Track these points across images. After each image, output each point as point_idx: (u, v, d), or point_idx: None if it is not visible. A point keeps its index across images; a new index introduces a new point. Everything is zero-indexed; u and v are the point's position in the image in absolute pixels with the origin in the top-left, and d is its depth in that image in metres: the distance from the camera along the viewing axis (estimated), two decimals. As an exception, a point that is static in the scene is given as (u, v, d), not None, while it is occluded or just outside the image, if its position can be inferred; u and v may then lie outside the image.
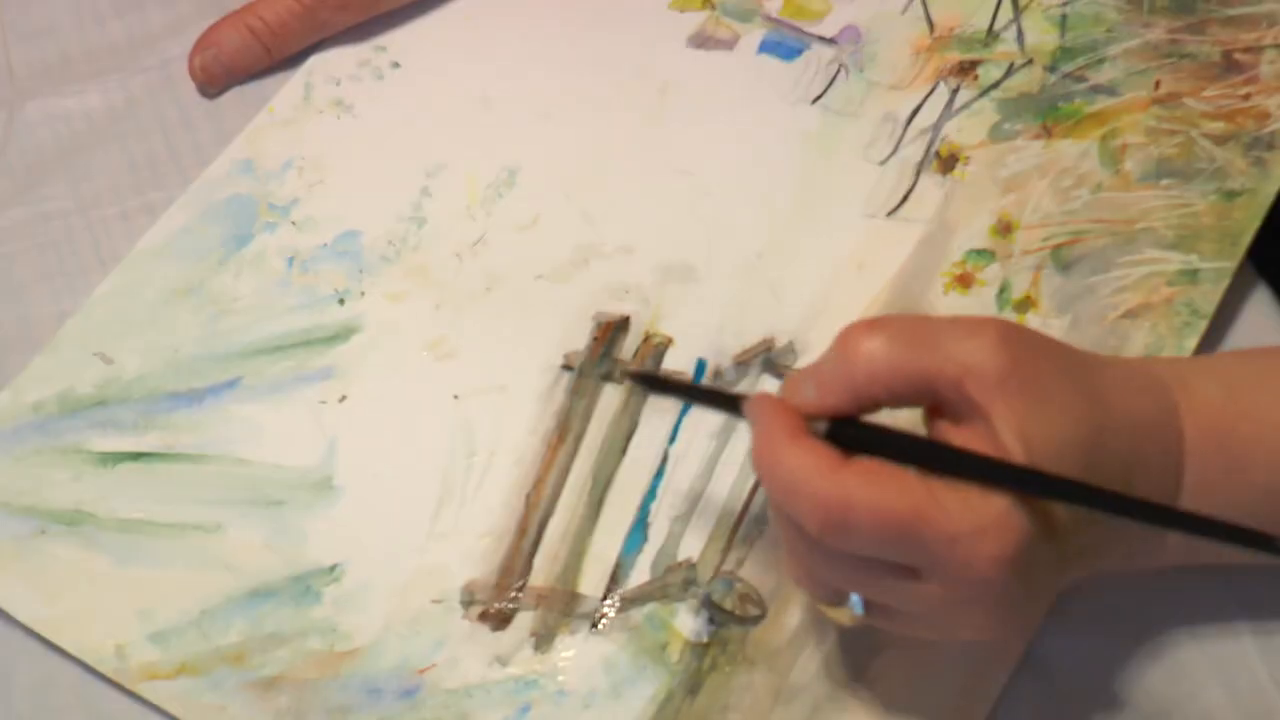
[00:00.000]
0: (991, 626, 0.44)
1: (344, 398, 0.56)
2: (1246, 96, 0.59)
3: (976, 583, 0.41)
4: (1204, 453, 0.45)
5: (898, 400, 0.43)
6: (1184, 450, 0.45)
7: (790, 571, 0.46)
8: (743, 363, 0.56)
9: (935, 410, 0.43)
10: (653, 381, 0.54)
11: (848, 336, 0.43)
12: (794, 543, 0.45)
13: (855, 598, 0.45)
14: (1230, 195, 0.57)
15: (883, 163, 0.60)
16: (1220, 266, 0.55)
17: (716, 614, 0.51)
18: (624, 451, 0.54)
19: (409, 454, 0.55)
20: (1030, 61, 0.61)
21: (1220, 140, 0.58)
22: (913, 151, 0.60)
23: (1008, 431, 0.41)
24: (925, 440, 0.43)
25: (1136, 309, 0.55)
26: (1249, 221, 0.56)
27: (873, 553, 0.42)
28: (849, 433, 0.43)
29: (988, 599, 0.42)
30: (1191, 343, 0.54)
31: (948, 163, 0.59)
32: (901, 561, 0.42)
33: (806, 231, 0.58)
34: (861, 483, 0.41)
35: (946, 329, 0.43)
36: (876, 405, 0.43)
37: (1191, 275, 0.55)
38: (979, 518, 0.41)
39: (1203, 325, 0.54)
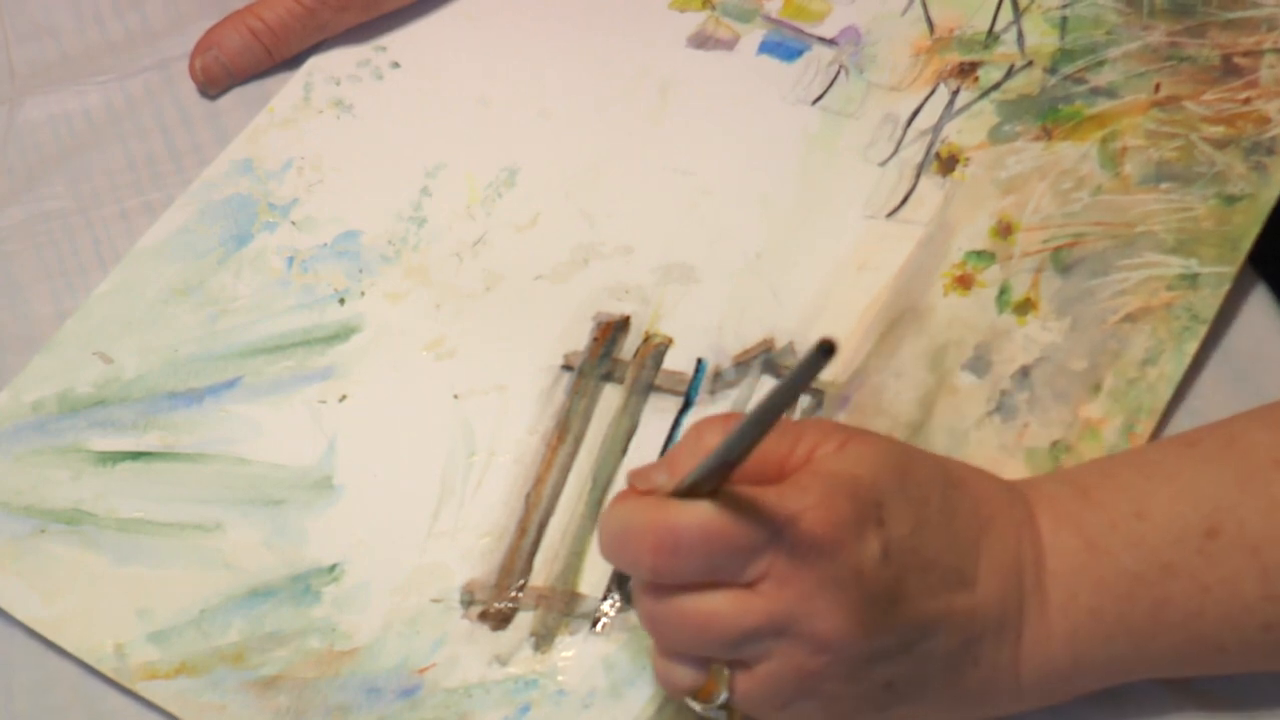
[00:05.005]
0: (844, 624, 0.42)
1: (344, 397, 0.56)
2: (1246, 101, 0.59)
3: (818, 553, 0.42)
4: (1062, 538, 0.46)
5: (748, 480, 0.44)
6: (1041, 536, 0.46)
7: (656, 669, 0.46)
8: (742, 363, 0.56)
9: None
10: None
11: (702, 425, 0.45)
12: (644, 609, 0.45)
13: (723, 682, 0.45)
14: (1230, 200, 0.57)
15: (883, 164, 0.60)
16: (1220, 271, 0.55)
17: (716, 614, 0.51)
18: (624, 451, 0.54)
19: (409, 454, 0.55)
20: (1030, 63, 0.61)
21: (1220, 144, 0.58)
22: (913, 153, 0.60)
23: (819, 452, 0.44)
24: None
25: (1136, 313, 0.55)
26: (1249, 227, 0.56)
27: (705, 571, 0.43)
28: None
29: (830, 583, 0.42)
30: (1191, 347, 0.54)
31: (948, 164, 0.59)
32: (733, 577, 0.43)
33: (806, 232, 0.58)
34: (684, 506, 0.43)
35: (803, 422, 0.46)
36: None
37: (1191, 280, 0.55)
38: (810, 495, 0.42)
39: (1202, 330, 0.54)
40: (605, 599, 0.52)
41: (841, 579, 0.42)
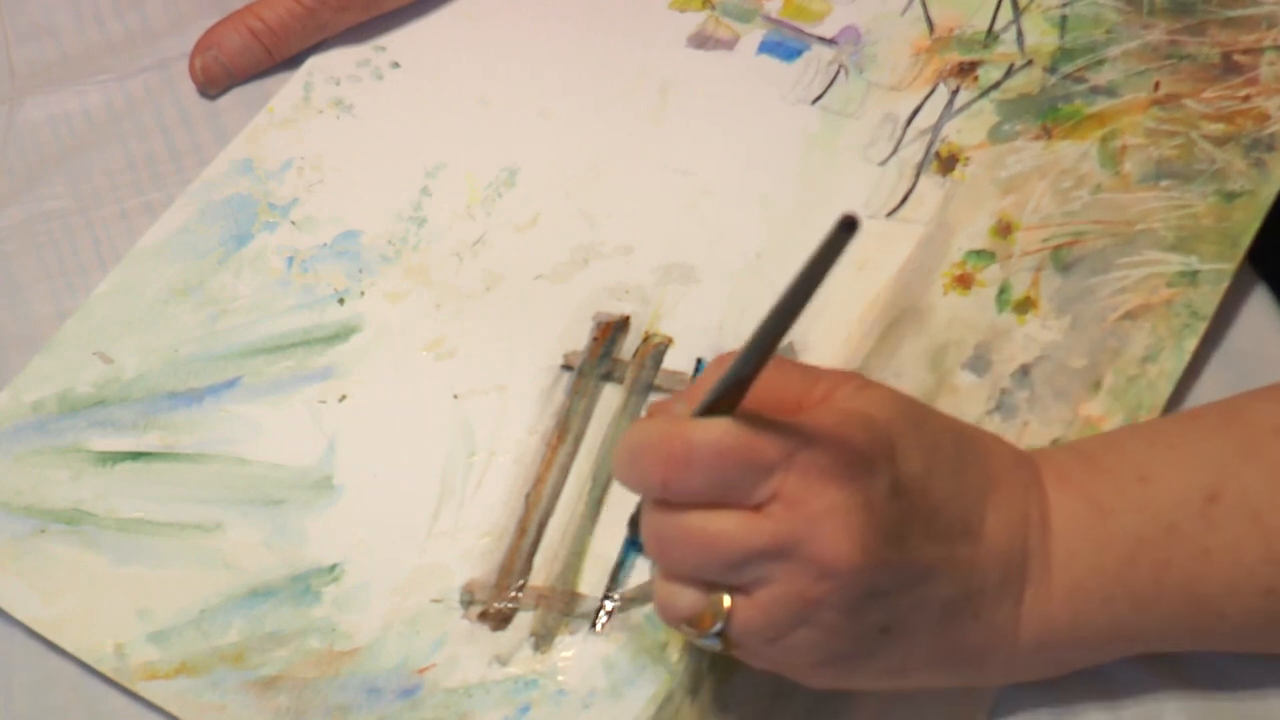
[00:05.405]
0: (849, 550, 0.42)
1: (344, 397, 0.56)
2: (1246, 98, 0.59)
3: (828, 479, 0.42)
4: (1067, 499, 0.46)
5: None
6: (1047, 497, 0.46)
7: (657, 594, 0.45)
8: (742, 363, 0.56)
9: None
10: None
11: (724, 357, 0.45)
12: (650, 526, 0.44)
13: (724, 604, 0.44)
14: (1230, 197, 0.57)
15: (883, 163, 0.60)
16: (1220, 268, 0.55)
17: (716, 614, 0.51)
18: (624, 451, 0.54)
19: (409, 454, 0.55)
20: (1030, 63, 0.61)
21: (1220, 142, 0.58)
22: (912, 152, 0.60)
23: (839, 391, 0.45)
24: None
25: (1136, 310, 0.55)
26: (1249, 223, 0.56)
27: (716, 488, 0.42)
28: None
29: (839, 508, 0.42)
30: (1191, 344, 0.54)
31: (947, 163, 0.59)
32: (743, 497, 0.42)
33: (806, 232, 0.58)
34: (700, 422, 0.43)
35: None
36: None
37: (1191, 277, 0.55)
38: (825, 424, 0.42)
39: (1202, 327, 0.54)
40: (605, 599, 0.52)
41: (850, 506, 0.42)
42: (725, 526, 0.43)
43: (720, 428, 0.42)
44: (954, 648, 0.46)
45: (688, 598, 0.44)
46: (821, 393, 0.45)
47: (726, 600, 0.44)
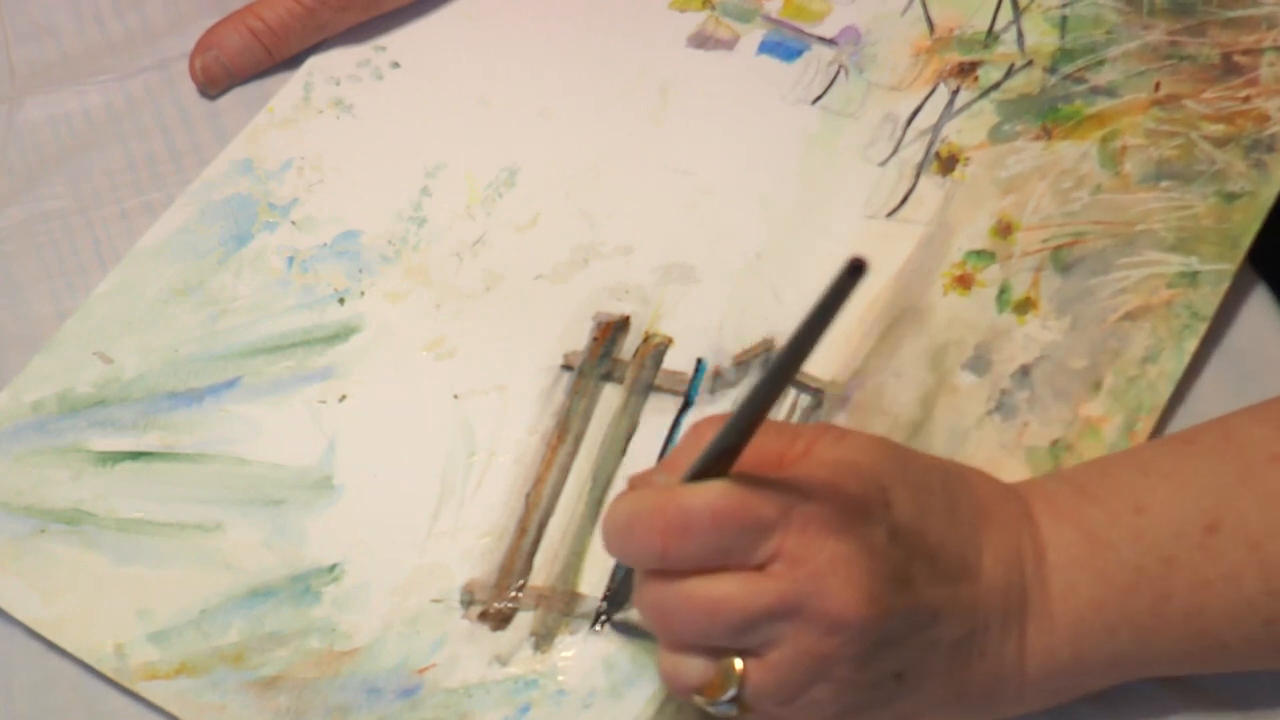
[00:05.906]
0: (856, 601, 0.42)
1: (344, 397, 0.56)
2: (1246, 99, 0.59)
3: (828, 532, 0.42)
4: (1062, 532, 0.46)
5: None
6: (1040, 530, 0.46)
7: (662, 667, 0.45)
8: (742, 363, 0.56)
9: None
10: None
11: (700, 425, 0.45)
12: (650, 598, 0.44)
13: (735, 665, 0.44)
14: (1230, 198, 0.57)
15: (883, 163, 0.60)
16: (1220, 269, 0.55)
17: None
18: (624, 451, 0.54)
19: (409, 453, 0.55)
20: (1030, 63, 0.61)
21: (1220, 142, 0.58)
22: (913, 152, 0.60)
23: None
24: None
25: (1136, 311, 0.55)
26: (1249, 224, 0.56)
27: (716, 552, 0.42)
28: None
29: (841, 561, 0.42)
30: (1191, 345, 0.54)
31: (948, 164, 0.59)
32: (743, 558, 0.42)
33: (806, 231, 0.58)
34: (693, 487, 0.42)
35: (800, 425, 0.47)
36: None
37: (1191, 277, 0.55)
38: (816, 477, 0.42)
39: (1202, 328, 0.54)
40: (605, 598, 0.52)
41: (852, 557, 0.42)
42: (729, 590, 0.42)
43: (715, 490, 0.42)
44: (963, 687, 0.45)
45: (696, 667, 0.44)
46: (802, 447, 0.45)
47: (738, 664, 0.43)
